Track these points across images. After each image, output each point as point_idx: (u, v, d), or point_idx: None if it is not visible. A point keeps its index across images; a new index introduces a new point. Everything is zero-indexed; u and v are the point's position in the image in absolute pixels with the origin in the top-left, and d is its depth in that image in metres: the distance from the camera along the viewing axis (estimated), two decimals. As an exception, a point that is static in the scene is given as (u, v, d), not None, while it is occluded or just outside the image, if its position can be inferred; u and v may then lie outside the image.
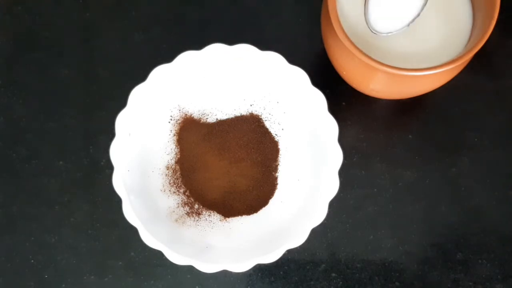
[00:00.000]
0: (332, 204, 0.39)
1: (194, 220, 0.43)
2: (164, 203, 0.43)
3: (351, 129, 0.46)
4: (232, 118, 0.45)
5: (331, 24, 0.37)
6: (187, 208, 0.43)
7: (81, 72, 0.48)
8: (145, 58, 0.46)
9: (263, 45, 0.41)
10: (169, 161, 0.44)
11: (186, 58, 0.41)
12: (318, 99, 0.40)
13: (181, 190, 0.44)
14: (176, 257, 0.39)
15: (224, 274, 0.39)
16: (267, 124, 0.45)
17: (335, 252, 0.45)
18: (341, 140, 0.40)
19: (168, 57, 0.41)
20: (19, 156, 0.46)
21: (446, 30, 0.39)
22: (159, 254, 0.39)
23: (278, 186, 0.44)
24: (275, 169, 0.44)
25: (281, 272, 0.45)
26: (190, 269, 0.39)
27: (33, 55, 0.48)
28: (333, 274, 0.44)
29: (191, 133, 0.45)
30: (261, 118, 0.45)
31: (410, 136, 0.46)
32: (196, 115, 0.45)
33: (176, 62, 0.41)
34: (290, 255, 0.43)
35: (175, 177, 0.44)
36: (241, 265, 0.39)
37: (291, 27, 0.48)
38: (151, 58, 0.42)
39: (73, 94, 0.47)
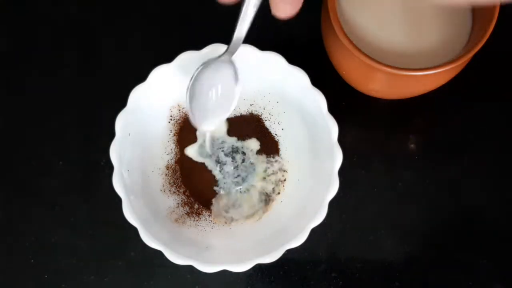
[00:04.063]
0: (332, 204, 0.39)
1: (194, 220, 0.43)
2: (164, 203, 0.43)
3: (351, 129, 0.46)
4: (232, 118, 0.45)
5: (331, 24, 0.37)
6: (187, 208, 0.43)
7: (81, 72, 0.48)
8: (145, 58, 0.46)
9: (263, 45, 0.41)
10: (169, 161, 0.44)
11: (186, 58, 0.41)
12: (318, 99, 0.40)
13: (181, 190, 0.44)
14: (176, 257, 0.39)
15: (224, 274, 0.39)
16: (267, 124, 0.45)
17: (335, 252, 0.45)
18: (341, 140, 0.40)
19: (168, 57, 0.41)
20: (19, 156, 0.46)
21: (446, 30, 0.39)
22: (159, 254, 0.39)
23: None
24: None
25: (281, 272, 0.45)
26: (190, 269, 0.39)
27: (33, 55, 0.48)
28: (333, 274, 0.44)
29: (191, 133, 0.45)
30: (261, 118, 0.45)
31: (410, 136, 0.46)
32: (196, 115, 0.45)
33: (176, 62, 0.41)
34: (290, 255, 0.43)
35: (175, 177, 0.44)
36: (241, 265, 0.39)
37: (291, 27, 0.48)
38: (151, 58, 0.42)
39: (73, 94, 0.47)
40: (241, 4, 0.34)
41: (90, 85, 0.47)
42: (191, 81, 0.37)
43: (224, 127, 0.45)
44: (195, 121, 0.39)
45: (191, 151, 0.44)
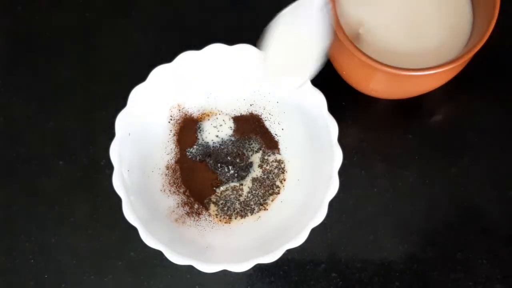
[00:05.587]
0: (332, 204, 0.39)
1: (194, 220, 0.43)
2: (164, 203, 0.43)
3: (351, 129, 0.46)
4: (232, 118, 0.45)
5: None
6: (187, 208, 0.43)
7: (81, 72, 0.48)
8: (145, 58, 0.46)
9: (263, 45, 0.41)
10: (169, 161, 0.44)
11: (186, 58, 0.41)
12: (318, 99, 0.40)
13: (181, 190, 0.44)
14: (176, 257, 0.39)
15: (224, 274, 0.39)
16: (267, 124, 0.45)
17: (335, 252, 0.45)
18: (341, 140, 0.40)
19: (168, 57, 0.41)
20: (19, 156, 0.46)
21: (446, 30, 0.39)
22: (159, 254, 0.39)
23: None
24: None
25: (281, 272, 0.45)
26: (190, 269, 0.39)
27: (33, 55, 0.48)
28: (333, 274, 0.44)
29: (191, 133, 0.45)
30: (261, 118, 0.45)
31: (410, 136, 0.46)
32: (196, 115, 0.45)
33: (176, 62, 0.41)
34: (290, 255, 0.43)
35: (175, 177, 0.44)
36: (241, 265, 0.39)
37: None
38: (151, 58, 0.42)
39: (73, 94, 0.47)
40: None
41: (90, 85, 0.47)
42: (274, 24, 0.33)
43: (231, 127, 0.45)
44: (275, 76, 0.34)
45: (192, 151, 0.44)
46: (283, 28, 0.33)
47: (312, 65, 0.34)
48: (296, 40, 0.34)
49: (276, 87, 0.38)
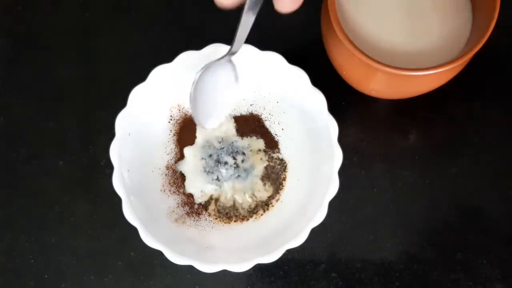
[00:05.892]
0: (332, 204, 0.39)
1: (194, 220, 0.43)
2: (164, 203, 0.43)
3: (351, 129, 0.46)
4: (232, 118, 0.45)
5: (331, 24, 0.37)
6: (187, 208, 0.43)
7: (81, 72, 0.48)
8: (145, 58, 0.46)
9: (263, 45, 0.41)
10: (169, 161, 0.44)
11: (186, 58, 0.41)
12: (318, 99, 0.40)
13: (181, 190, 0.44)
14: (176, 257, 0.39)
15: (224, 274, 0.39)
16: (267, 124, 0.45)
17: (335, 252, 0.45)
18: (341, 140, 0.40)
19: (168, 57, 0.41)
20: (19, 156, 0.46)
21: (446, 30, 0.39)
22: (159, 254, 0.39)
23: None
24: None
25: (281, 272, 0.45)
26: (190, 269, 0.39)
27: (33, 55, 0.48)
28: (333, 274, 0.44)
29: (191, 133, 0.45)
30: (261, 118, 0.45)
31: (410, 136, 0.46)
32: (196, 115, 0.45)
33: (176, 62, 0.41)
34: (290, 255, 0.43)
35: (175, 177, 0.44)
36: (241, 265, 0.39)
37: (291, 27, 0.48)
38: (151, 58, 0.42)
39: (73, 94, 0.47)
40: (242, 9, 0.34)
41: (90, 85, 0.47)
42: (194, 84, 0.37)
43: (232, 128, 0.45)
44: (199, 121, 0.39)
45: (190, 152, 0.44)
46: (202, 85, 0.38)
47: (226, 109, 0.42)
48: (215, 91, 0.39)
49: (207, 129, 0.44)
